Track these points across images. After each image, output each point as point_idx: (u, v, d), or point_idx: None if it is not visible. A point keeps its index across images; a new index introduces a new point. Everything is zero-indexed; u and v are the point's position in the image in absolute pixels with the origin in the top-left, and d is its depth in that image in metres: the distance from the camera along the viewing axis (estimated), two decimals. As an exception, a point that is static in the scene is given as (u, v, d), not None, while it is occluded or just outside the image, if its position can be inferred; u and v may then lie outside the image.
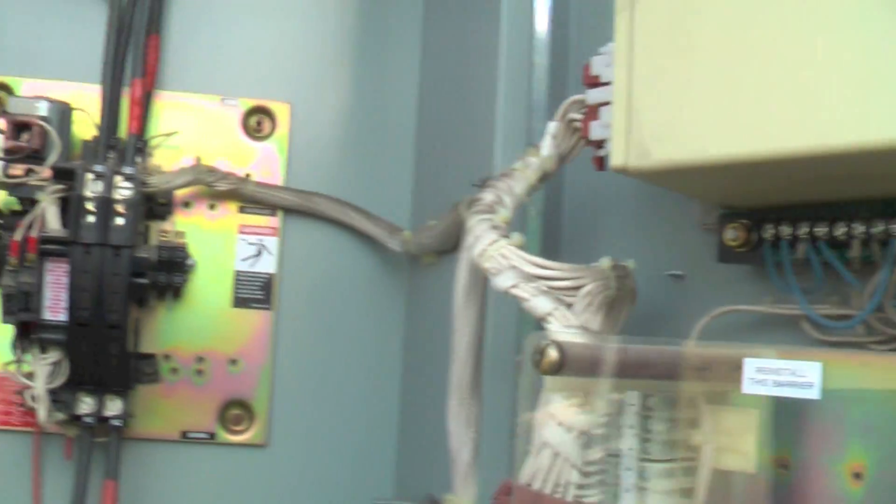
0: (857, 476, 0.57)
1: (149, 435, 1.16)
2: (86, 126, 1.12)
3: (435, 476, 1.02)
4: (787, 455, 0.59)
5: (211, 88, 1.21)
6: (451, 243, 1.03)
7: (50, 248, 1.02)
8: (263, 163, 1.20)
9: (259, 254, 1.19)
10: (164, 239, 1.12)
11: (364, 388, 1.22)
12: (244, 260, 1.19)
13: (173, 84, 1.18)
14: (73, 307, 1.02)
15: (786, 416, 0.59)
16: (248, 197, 1.17)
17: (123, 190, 1.03)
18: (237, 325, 1.19)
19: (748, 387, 0.57)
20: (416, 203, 1.23)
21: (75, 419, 1.09)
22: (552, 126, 0.79)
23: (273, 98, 1.22)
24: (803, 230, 0.66)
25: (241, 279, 1.19)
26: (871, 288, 0.65)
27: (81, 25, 1.19)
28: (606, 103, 0.69)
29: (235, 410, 1.19)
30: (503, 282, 0.71)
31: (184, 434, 1.18)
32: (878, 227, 0.63)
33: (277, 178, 1.20)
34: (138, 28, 1.10)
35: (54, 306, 1.04)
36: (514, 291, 0.70)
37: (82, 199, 1.01)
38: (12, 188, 1.07)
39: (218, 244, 1.18)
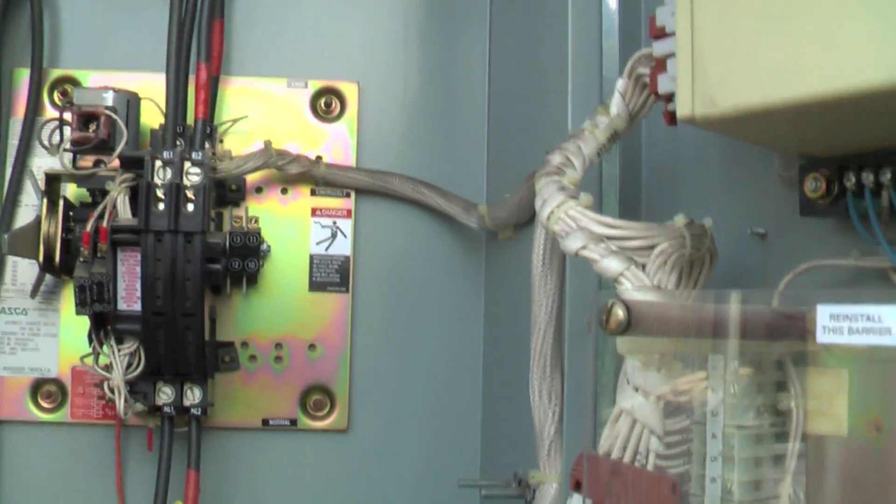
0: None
1: (229, 424, 1.15)
2: (154, 115, 1.11)
3: (520, 454, 1.00)
4: (880, 417, 0.56)
5: (277, 71, 1.19)
6: (527, 215, 1.01)
7: (121, 238, 1.01)
8: (334, 144, 1.19)
9: (334, 236, 1.17)
10: (237, 225, 1.11)
11: (445, 369, 1.20)
12: (319, 243, 1.17)
13: (239, 69, 1.17)
14: (146, 296, 1.01)
15: (878, 375, 0.56)
16: (320, 179, 1.15)
17: (192, 176, 1.02)
18: (314, 310, 1.17)
19: (822, 336, 0.53)
20: (491, 179, 1.21)
21: (155, 410, 1.08)
22: (620, 83, 0.76)
23: (341, 78, 1.19)
24: (888, 176, 0.62)
25: (316, 263, 1.17)
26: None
27: (146, 15, 1.18)
28: (673, 54, 0.65)
29: (316, 396, 1.17)
30: (572, 244, 0.67)
31: (265, 421, 1.16)
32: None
33: (349, 160, 1.18)
34: (202, 13, 1.08)
35: (128, 296, 1.03)
36: (584, 253, 0.67)
37: (151, 186, 1.00)
38: (82, 180, 1.07)
39: (292, 228, 1.17)
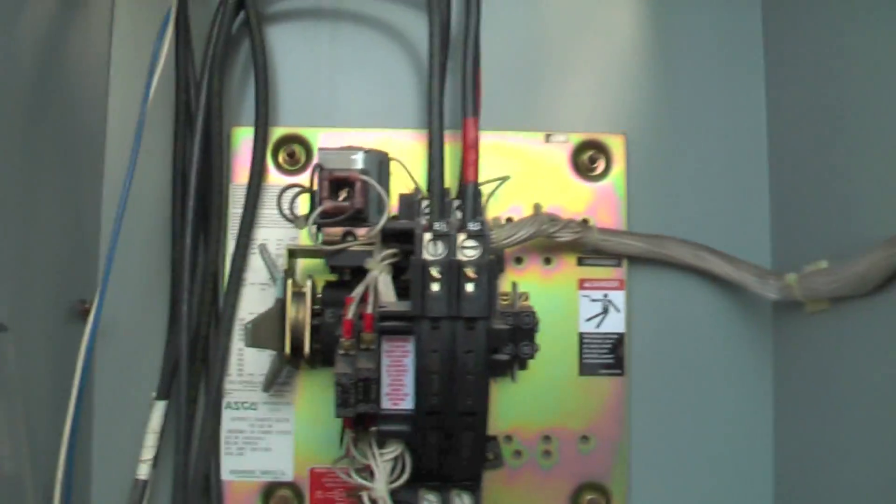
0: None
1: (493, 530, 1.00)
2: (395, 177, 0.96)
3: None
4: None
5: (533, 125, 1.04)
6: (868, 287, 0.84)
7: (389, 326, 0.86)
8: (601, 205, 1.04)
9: (605, 311, 1.02)
10: (504, 303, 0.95)
11: (732, 462, 1.04)
12: (589, 320, 1.02)
13: (488, 123, 1.01)
14: (421, 393, 0.86)
15: None
16: (591, 246, 1.00)
17: (468, 251, 0.87)
18: (586, 396, 1.02)
19: None
20: (778, 242, 1.04)
21: (419, 521, 0.93)
22: None
23: (605, 130, 1.04)
24: None
25: (586, 342, 1.02)
26: None
27: (372, 66, 1.07)
28: None
29: (589, 495, 1.02)
30: None
31: (533, 527, 1.01)
32: None
33: (619, 223, 1.03)
34: (466, 61, 0.93)
35: (394, 393, 0.88)
36: None
37: (426, 264, 0.85)
38: (331, 256, 0.93)
39: (557, 303, 1.02)
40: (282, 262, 0.98)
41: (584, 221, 1.02)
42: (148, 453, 0.97)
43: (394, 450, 0.90)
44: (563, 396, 1.02)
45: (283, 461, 1.01)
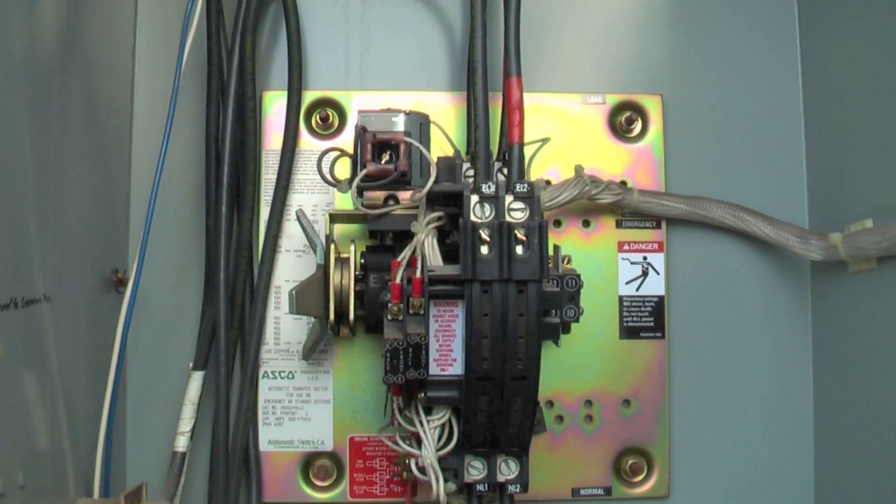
0: None
1: (535, 496, 0.99)
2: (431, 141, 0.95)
3: None
4: None
5: (569, 86, 1.03)
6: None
7: (439, 290, 0.85)
8: (639, 167, 1.03)
9: (645, 274, 1.01)
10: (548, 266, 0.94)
11: (773, 426, 1.04)
12: (629, 282, 1.01)
13: (524, 84, 1.00)
14: (471, 358, 0.84)
15: None
16: (631, 208, 0.99)
17: (516, 213, 0.85)
18: (627, 360, 1.01)
19: None
20: (815, 203, 1.03)
21: (464, 488, 0.91)
22: None
23: (642, 92, 1.03)
24: None
25: (626, 305, 1.01)
26: None
27: (404, 27, 1.06)
28: None
29: (632, 459, 1.01)
30: None
31: (575, 491, 1.01)
32: None
33: (658, 184, 1.02)
34: (508, 21, 0.91)
35: (442, 359, 0.86)
36: None
37: (476, 226, 0.83)
38: (374, 220, 0.91)
39: (597, 267, 1.01)
40: (320, 228, 0.96)
41: (623, 183, 1.01)
42: (185, 425, 0.95)
43: (441, 416, 0.88)
44: (604, 360, 1.01)
45: (322, 430, 0.99)
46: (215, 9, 0.99)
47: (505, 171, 0.90)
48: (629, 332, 1.01)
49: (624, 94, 1.03)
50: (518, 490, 0.90)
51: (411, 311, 0.85)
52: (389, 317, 0.86)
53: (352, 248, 0.91)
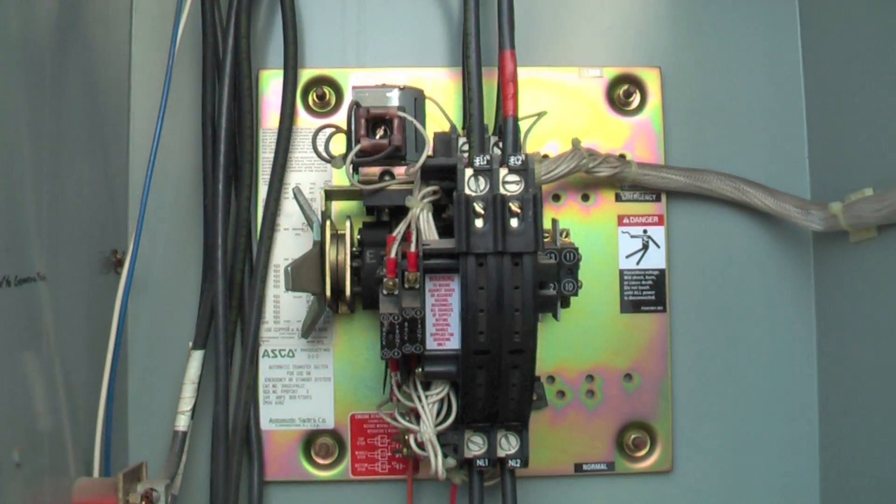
0: None
1: (537, 471, 0.99)
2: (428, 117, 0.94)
3: (867, 495, 0.88)
4: None
5: (565, 60, 1.02)
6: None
7: (433, 264, 0.84)
8: (638, 140, 1.02)
9: (645, 247, 1.01)
10: (545, 240, 0.93)
11: (777, 397, 1.03)
12: (629, 256, 1.01)
13: (521, 58, 0.99)
14: (468, 332, 0.84)
15: None
16: (630, 181, 0.98)
17: (510, 185, 0.85)
18: (628, 334, 1.01)
19: None
20: (816, 172, 1.02)
21: (465, 463, 0.91)
22: None
23: (639, 64, 1.02)
24: None
25: (627, 279, 1.00)
26: None
27: (401, 5, 1.05)
28: None
29: (634, 434, 1.01)
30: None
31: (578, 466, 1.00)
32: None
33: (657, 157, 1.01)
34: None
35: (439, 333, 0.86)
36: None
37: (470, 200, 0.83)
38: (369, 196, 0.91)
39: (597, 240, 1.01)
40: (317, 205, 0.96)
41: (622, 156, 1.00)
42: (186, 404, 0.95)
43: (439, 391, 0.88)
44: (604, 335, 1.00)
45: (323, 408, 0.99)
46: (210, -12, 0.98)
47: (500, 144, 0.89)
48: (630, 306, 1.00)
49: (622, 66, 1.02)
50: (518, 465, 0.90)
51: (406, 286, 0.85)
52: (385, 291, 0.85)
53: (347, 224, 0.91)
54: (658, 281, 1.00)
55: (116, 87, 1.00)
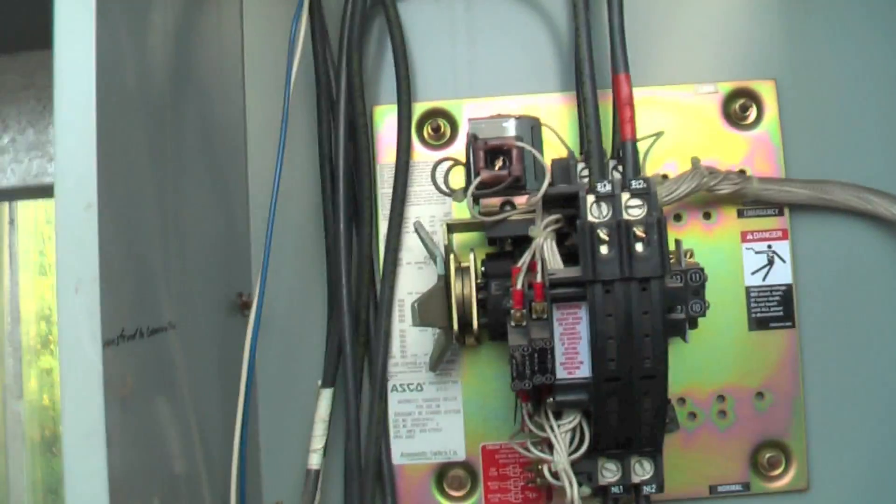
0: None
1: (672, 495, 0.98)
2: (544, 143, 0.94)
3: None
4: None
5: (678, 77, 1.02)
6: None
7: (560, 293, 0.84)
8: (757, 154, 1.00)
9: (770, 263, 0.99)
10: (670, 261, 0.92)
11: (913, 407, 1.00)
12: (754, 273, 0.99)
13: (633, 79, 0.98)
14: (598, 360, 0.83)
15: None
16: (751, 197, 0.97)
17: (633, 210, 0.84)
18: (758, 352, 0.99)
19: None
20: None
21: (599, 491, 0.90)
22: None
23: (754, 77, 1.01)
24: None
25: (754, 296, 0.99)
26: None
27: (510, 32, 1.05)
28: None
29: (769, 453, 0.99)
30: None
31: (713, 488, 0.99)
32: None
33: (777, 171, 1.00)
34: (612, 17, 0.90)
35: (568, 362, 0.86)
36: None
37: (594, 227, 0.82)
38: (491, 227, 0.91)
39: (721, 258, 0.99)
40: (437, 238, 0.96)
41: (742, 172, 0.99)
42: (318, 442, 0.96)
43: (571, 420, 0.88)
44: (734, 353, 0.99)
45: (453, 441, 0.99)
46: (319, 28, 0.99)
47: (620, 168, 0.89)
48: (758, 324, 0.99)
49: (736, 81, 1.01)
50: (654, 490, 0.89)
51: (534, 316, 0.85)
52: (513, 323, 0.85)
53: (471, 256, 0.91)
54: (785, 296, 0.99)
55: (233, 132, 1.02)
